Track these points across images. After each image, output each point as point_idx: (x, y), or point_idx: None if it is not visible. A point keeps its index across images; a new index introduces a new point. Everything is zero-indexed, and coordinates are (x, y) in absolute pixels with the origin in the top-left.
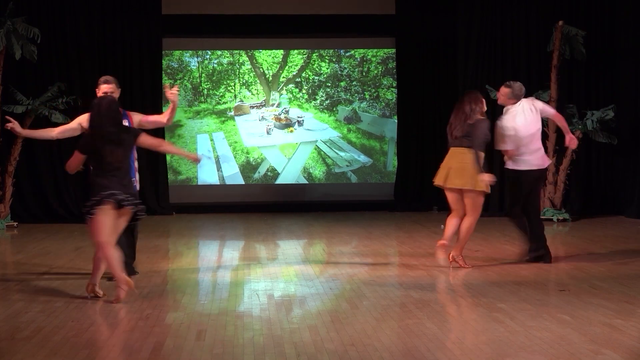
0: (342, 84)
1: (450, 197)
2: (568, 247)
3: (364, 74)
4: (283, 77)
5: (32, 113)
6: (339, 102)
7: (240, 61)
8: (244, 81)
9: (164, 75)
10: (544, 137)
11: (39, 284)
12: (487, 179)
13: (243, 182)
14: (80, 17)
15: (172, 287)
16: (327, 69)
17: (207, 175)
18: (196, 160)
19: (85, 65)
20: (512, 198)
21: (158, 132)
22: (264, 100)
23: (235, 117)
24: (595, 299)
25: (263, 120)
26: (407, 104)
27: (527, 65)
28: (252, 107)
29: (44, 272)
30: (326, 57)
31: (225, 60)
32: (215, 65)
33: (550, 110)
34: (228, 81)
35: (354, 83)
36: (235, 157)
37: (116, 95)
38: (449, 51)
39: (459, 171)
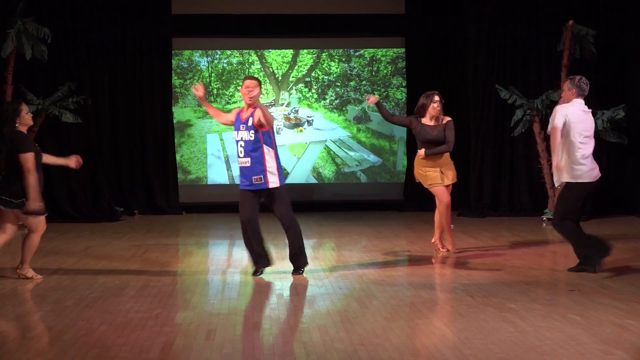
0: (352, 83)
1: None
2: None
3: (373, 73)
4: (292, 77)
5: (42, 112)
6: (349, 101)
7: (250, 61)
8: None
9: (173, 75)
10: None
11: (49, 283)
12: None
13: None
14: (90, 16)
15: (182, 286)
16: (337, 68)
17: (216, 174)
18: (77, 163)
19: (95, 65)
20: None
21: (168, 131)
22: (274, 99)
23: None
24: (606, 299)
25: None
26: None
27: (538, 64)
28: None
29: (54, 271)
30: (336, 56)
31: (234, 60)
32: (224, 65)
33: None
34: (238, 81)
35: (364, 82)
36: None
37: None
38: (458, 50)
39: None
